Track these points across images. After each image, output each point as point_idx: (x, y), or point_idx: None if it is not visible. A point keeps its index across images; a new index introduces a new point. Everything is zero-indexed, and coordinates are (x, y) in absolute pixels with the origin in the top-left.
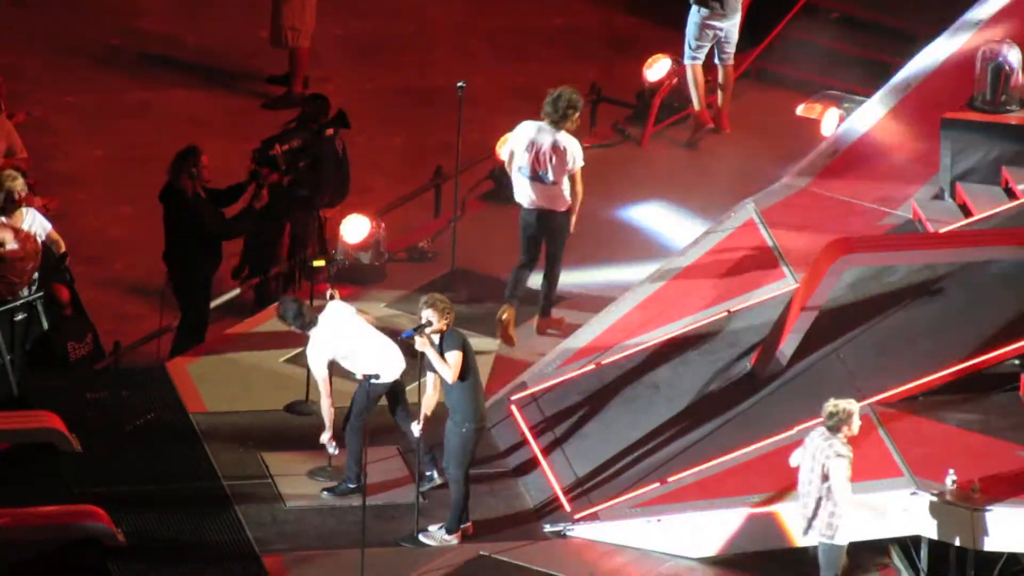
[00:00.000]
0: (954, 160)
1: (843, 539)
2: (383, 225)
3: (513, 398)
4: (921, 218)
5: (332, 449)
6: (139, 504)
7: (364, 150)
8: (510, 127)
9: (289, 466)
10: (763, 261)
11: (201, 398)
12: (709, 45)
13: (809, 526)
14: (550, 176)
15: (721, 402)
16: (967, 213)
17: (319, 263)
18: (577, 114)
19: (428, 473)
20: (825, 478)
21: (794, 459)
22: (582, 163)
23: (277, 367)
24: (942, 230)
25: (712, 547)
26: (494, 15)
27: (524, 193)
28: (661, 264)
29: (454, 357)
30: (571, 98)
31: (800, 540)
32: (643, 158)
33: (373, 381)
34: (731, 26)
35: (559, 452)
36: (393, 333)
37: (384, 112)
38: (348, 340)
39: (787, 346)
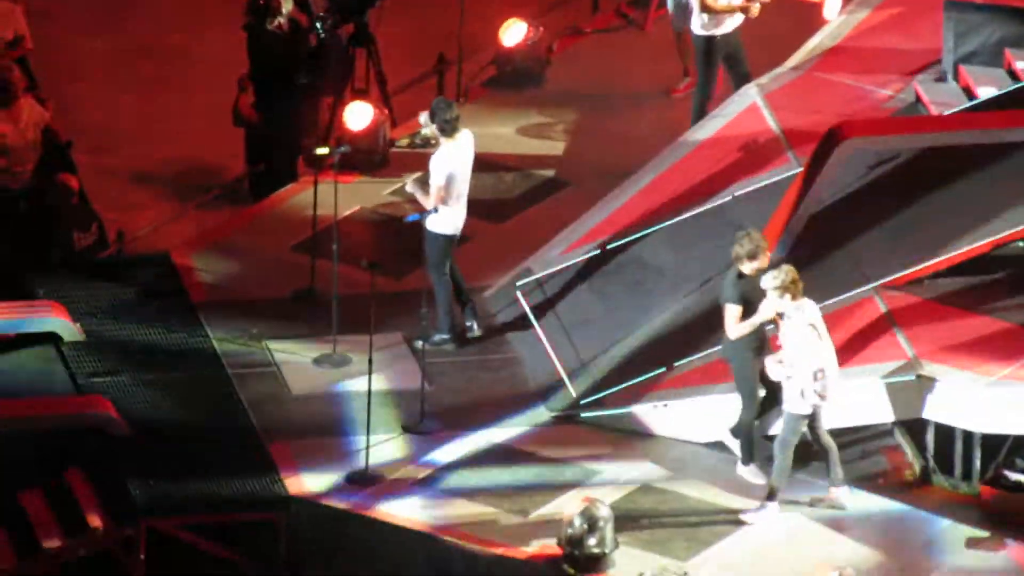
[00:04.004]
0: (957, 43)
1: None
2: (386, 112)
3: (518, 283)
4: (924, 101)
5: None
6: (144, 393)
7: None
8: (511, 15)
9: (294, 354)
10: (767, 145)
11: (205, 286)
12: None
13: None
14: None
15: None
16: (970, 96)
17: (322, 151)
18: None
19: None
20: None
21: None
22: None
23: (283, 255)
24: (945, 113)
25: (718, 431)
26: None
27: None
28: (665, 149)
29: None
30: None
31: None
32: (646, 43)
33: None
34: None
35: (564, 337)
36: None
37: (386, 1)
38: (459, 173)
39: (791, 230)
